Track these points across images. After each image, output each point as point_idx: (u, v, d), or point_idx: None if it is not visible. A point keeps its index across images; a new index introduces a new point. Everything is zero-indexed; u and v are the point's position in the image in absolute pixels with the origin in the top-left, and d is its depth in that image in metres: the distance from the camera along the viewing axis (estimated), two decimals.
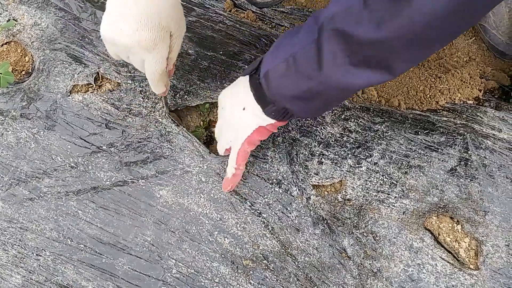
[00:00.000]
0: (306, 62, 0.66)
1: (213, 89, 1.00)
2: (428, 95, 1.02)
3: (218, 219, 0.90)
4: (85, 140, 0.96)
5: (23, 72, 1.04)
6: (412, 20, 0.55)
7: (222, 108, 0.84)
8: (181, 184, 0.92)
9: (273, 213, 0.91)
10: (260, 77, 0.73)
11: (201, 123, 0.97)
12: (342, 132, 0.97)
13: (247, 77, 0.78)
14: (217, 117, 0.98)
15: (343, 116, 0.98)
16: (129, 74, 1.01)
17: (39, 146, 0.95)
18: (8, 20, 1.07)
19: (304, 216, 0.90)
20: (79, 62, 1.02)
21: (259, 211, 0.91)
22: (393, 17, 0.55)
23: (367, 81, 0.64)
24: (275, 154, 0.94)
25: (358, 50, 0.60)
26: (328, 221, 0.90)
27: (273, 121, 0.78)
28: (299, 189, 0.92)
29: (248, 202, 0.91)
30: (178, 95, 0.99)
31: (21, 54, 1.05)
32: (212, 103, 0.99)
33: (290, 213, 0.91)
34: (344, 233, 0.90)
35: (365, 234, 0.90)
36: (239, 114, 0.80)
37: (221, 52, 1.04)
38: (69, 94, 0.99)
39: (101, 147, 0.95)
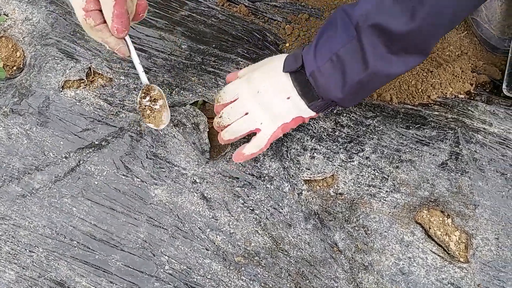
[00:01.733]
0: (351, 58, 0.73)
1: (208, 86, 1.00)
2: (420, 90, 1.03)
3: (210, 217, 0.91)
4: (77, 136, 0.96)
5: (14, 68, 1.04)
6: (439, 4, 0.60)
7: (258, 92, 0.84)
8: (175, 184, 0.93)
9: (265, 209, 0.91)
10: (308, 76, 0.79)
11: None
12: (334, 127, 0.97)
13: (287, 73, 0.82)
14: (210, 113, 0.98)
15: (335, 111, 0.98)
16: (122, 70, 1.00)
17: (31, 143, 0.95)
18: None
19: (296, 212, 0.91)
20: (70, 57, 1.01)
21: (251, 208, 0.91)
22: (422, 5, 0.61)
23: (407, 66, 0.72)
24: (267, 151, 0.95)
25: (396, 40, 0.66)
26: (320, 216, 0.91)
27: (313, 113, 0.84)
28: (290, 185, 0.93)
29: (240, 200, 0.92)
30: (174, 92, 0.99)
31: (12, 49, 1.05)
32: (204, 102, 1.00)
33: (282, 209, 0.91)
34: (336, 227, 0.91)
35: (356, 228, 0.91)
36: (283, 101, 0.83)
37: (213, 46, 1.04)
38: (61, 90, 0.99)
39: (94, 142, 0.95)
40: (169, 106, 0.91)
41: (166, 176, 0.93)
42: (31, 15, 1.06)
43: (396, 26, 0.64)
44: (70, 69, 1.00)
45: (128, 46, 0.80)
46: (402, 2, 0.62)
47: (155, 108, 0.88)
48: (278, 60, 0.84)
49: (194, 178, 0.93)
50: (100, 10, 0.72)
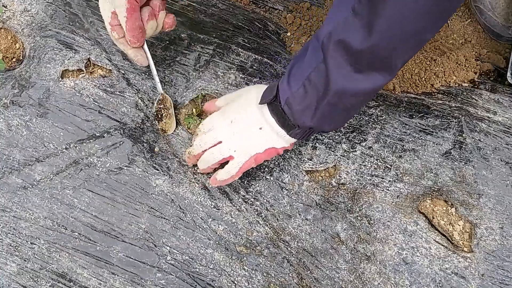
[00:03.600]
0: (319, 80, 0.71)
1: (207, 79, 0.99)
2: (423, 78, 1.02)
3: (212, 206, 0.90)
4: (78, 127, 0.95)
5: (14, 59, 1.03)
6: (391, 17, 0.60)
7: (232, 122, 0.85)
8: (177, 174, 0.92)
9: (265, 200, 0.91)
10: (282, 105, 0.78)
11: (194, 110, 0.96)
12: None
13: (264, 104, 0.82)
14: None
15: None
16: (121, 64, 1.00)
17: (31, 134, 0.95)
18: None
19: (296, 202, 0.91)
20: (69, 48, 1.01)
21: (252, 199, 0.91)
22: (377, 18, 0.60)
23: (374, 84, 0.70)
24: None
25: (359, 56, 0.65)
26: (322, 206, 0.90)
27: (287, 144, 0.84)
28: (291, 176, 0.92)
29: (241, 191, 0.91)
30: (177, 93, 0.98)
31: (11, 41, 1.04)
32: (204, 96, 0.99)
33: (282, 200, 0.91)
34: (338, 218, 0.90)
35: (359, 218, 0.90)
36: (255, 132, 0.84)
37: (214, 36, 1.03)
38: (60, 79, 0.98)
39: (95, 134, 0.95)
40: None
41: (167, 168, 0.93)
42: (29, 6, 1.05)
43: (356, 41, 0.64)
44: (68, 59, 0.99)
45: (147, 58, 0.91)
46: (360, 16, 0.62)
47: (168, 114, 0.96)
48: (254, 92, 0.85)
49: (196, 169, 0.92)
50: None
